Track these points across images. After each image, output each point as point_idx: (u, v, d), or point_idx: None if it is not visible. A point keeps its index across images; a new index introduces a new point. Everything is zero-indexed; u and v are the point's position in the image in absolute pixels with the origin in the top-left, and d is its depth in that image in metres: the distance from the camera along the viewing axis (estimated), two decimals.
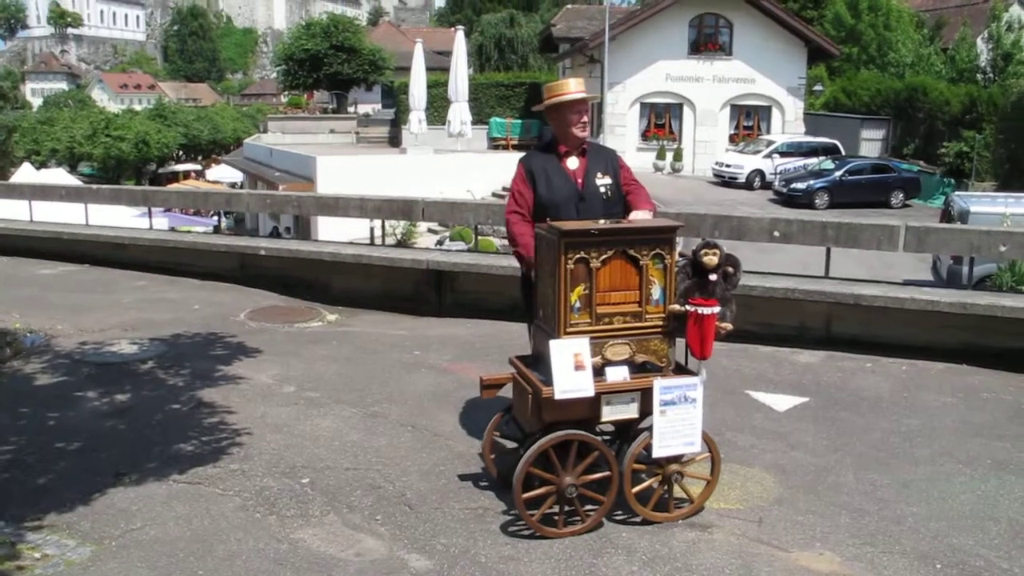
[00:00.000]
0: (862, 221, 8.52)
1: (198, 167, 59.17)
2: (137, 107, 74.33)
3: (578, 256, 4.07)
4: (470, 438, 5.52)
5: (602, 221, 4.32)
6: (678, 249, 4.39)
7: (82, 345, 7.58)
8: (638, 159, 30.03)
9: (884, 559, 4.17)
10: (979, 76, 33.74)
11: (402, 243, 16.55)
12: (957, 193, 17.44)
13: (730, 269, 4.28)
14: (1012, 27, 32.84)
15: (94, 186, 16.28)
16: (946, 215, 14.09)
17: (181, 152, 62.69)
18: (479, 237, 12.22)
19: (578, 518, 4.35)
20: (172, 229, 19.00)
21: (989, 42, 33.90)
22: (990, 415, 6.15)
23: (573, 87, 4.77)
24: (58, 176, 30.29)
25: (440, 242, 19.27)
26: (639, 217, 4.56)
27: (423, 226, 19.35)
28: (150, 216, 13.70)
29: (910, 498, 4.83)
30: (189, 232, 16.57)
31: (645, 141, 32.64)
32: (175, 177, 55.26)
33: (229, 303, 9.44)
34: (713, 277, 4.21)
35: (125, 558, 4.09)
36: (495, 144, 33.20)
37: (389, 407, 6.13)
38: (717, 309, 4.21)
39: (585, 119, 4.73)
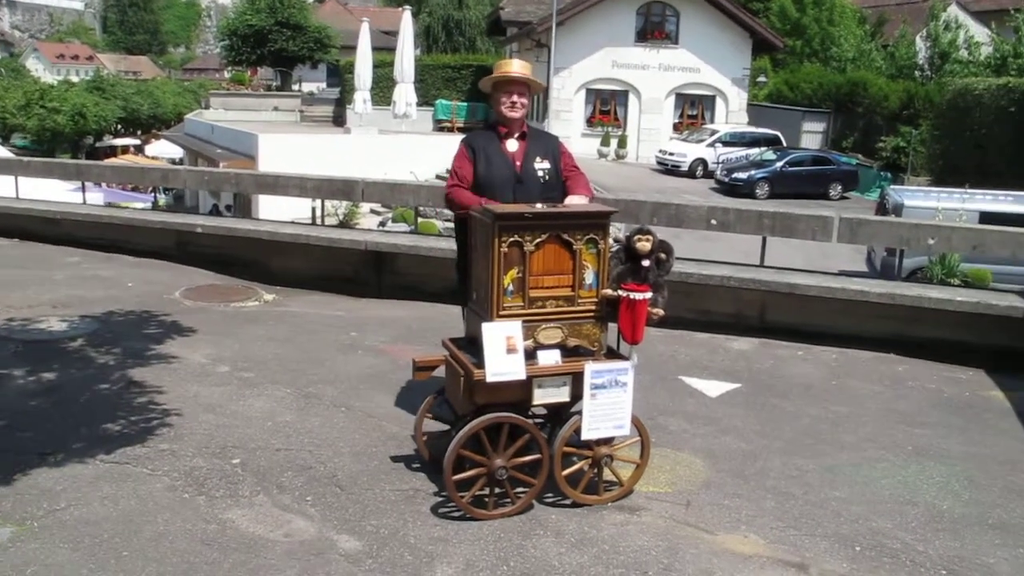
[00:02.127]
0: (798, 211, 8.66)
1: (137, 142, 57.81)
2: (74, 78, 72.47)
3: (512, 239, 4.08)
4: (404, 420, 5.51)
5: (538, 205, 4.33)
6: (616, 235, 4.43)
7: (9, 322, 7.39)
8: (583, 145, 30.16)
9: (806, 542, 4.27)
10: (917, 73, 34.35)
11: (344, 224, 16.39)
12: (893, 187, 17.83)
13: (663, 255, 4.32)
14: (950, 27, 33.43)
15: (24, 158, 15.84)
16: (882, 208, 14.40)
17: (120, 126, 61.24)
18: (420, 219, 12.17)
19: (508, 500, 4.38)
20: (109, 205, 18.58)
21: (927, 40, 34.54)
22: (914, 403, 6.33)
23: (514, 68, 4.76)
24: None
25: (383, 223, 19.14)
26: (574, 202, 4.58)
27: (366, 207, 19.18)
28: (84, 191, 13.39)
29: (834, 482, 4.95)
30: (126, 208, 16.21)
31: (590, 127, 32.74)
32: (113, 152, 53.90)
33: (165, 281, 9.28)
34: (646, 263, 4.26)
35: (47, 539, 4.01)
36: (441, 126, 33.05)
37: (324, 388, 6.10)
38: (649, 295, 4.25)
39: (515, 99, 4.69)
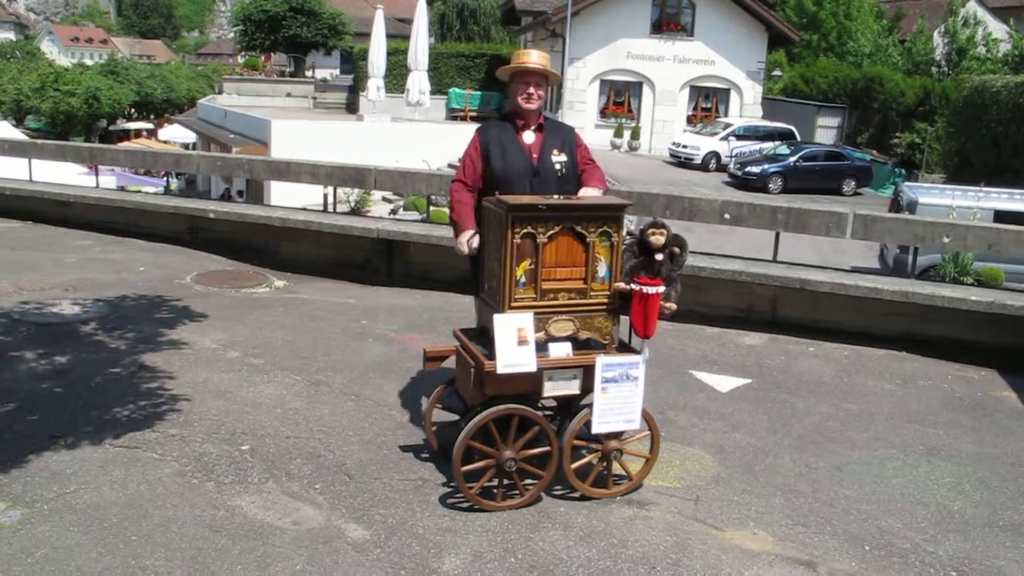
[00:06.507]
0: (811, 207, 8.62)
1: (150, 126, 57.87)
2: (88, 62, 72.64)
3: (525, 231, 4.06)
4: (413, 409, 5.51)
5: (554, 197, 4.31)
6: (628, 228, 4.41)
7: (22, 304, 7.42)
8: (596, 136, 30.06)
9: (815, 539, 4.25)
10: (934, 69, 34.17)
11: (356, 211, 16.40)
12: (907, 184, 17.73)
13: (676, 249, 4.29)
14: (968, 22, 33.26)
15: (39, 141, 15.88)
16: (895, 205, 14.31)
17: (133, 110, 61.34)
18: (432, 207, 12.15)
19: (517, 492, 4.37)
20: (122, 188, 18.62)
21: (945, 36, 34.35)
22: (926, 402, 6.29)
23: (532, 59, 4.72)
24: (1, 130, 29.50)
25: (394, 211, 19.14)
26: (588, 194, 4.56)
27: (377, 195, 19.19)
28: (96, 174, 13.42)
29: (844, 481, 4.92)
30: (138, 192, 16.26)
31: (603, 118, 32.63)
32: (126, 135, 53.97)
33: (176, 266, 9.30)
34: (659, 257, 4.23)
35: (57, 522, 4.03)
36: (453, 115, 33.01)
37: (333, 375, 6.10)
38: (662, 289, 4.23)
39: (531, 91, 4.65)
